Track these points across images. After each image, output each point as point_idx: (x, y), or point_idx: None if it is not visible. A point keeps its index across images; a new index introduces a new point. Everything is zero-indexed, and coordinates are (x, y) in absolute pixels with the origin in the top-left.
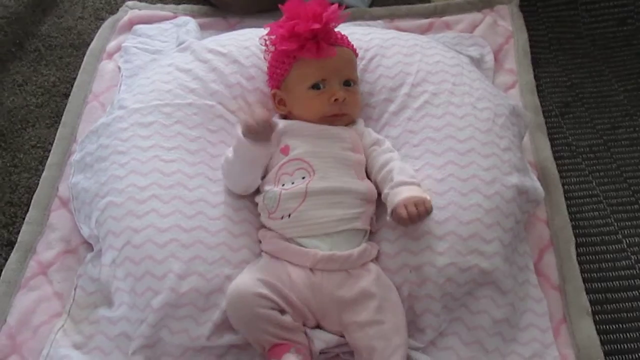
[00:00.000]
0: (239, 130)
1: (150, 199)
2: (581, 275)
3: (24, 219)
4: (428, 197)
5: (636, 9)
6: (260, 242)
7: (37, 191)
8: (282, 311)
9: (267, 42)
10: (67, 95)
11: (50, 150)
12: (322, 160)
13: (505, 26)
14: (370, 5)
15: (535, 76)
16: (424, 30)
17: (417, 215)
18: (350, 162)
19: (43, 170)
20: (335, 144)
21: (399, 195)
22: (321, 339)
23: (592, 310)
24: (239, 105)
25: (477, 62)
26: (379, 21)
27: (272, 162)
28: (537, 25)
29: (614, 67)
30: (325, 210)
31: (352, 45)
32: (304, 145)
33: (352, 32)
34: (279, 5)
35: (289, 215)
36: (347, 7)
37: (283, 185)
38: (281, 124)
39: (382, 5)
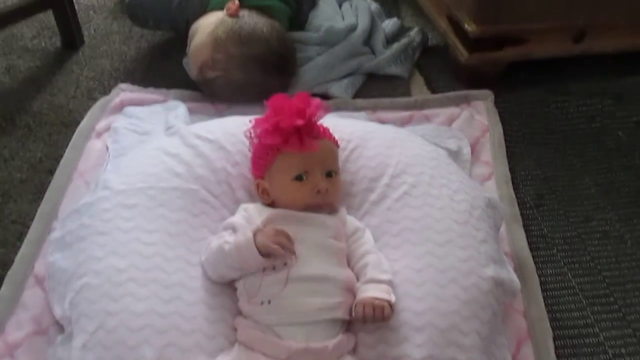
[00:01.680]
0: (245, 237)
1: (127, 282)
2: None
3: None
4: (392, 300)
5: (603, 107)
6: (236, 329)
7: (12, 267)
8: None
9: (252, 135)
10: (52, 172)
11: (29, 226)
12: (305, 246)
13: (481, 120)
14: (354, 97)
15: (510, 169)
16: (404, 122)
17: (372, 318)
18: (332, 250)
19: (20, 246)
20: (318, 231)
21: (365, 292)
22: None
23: None
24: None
25: (455, 154)
26: (362, 112)
27: None
28: (511, 120)
29: (585, 161)
30: (305, 297)
31: (334, 138)
32: (288, 232)
33: (336, 123)
34: (265, 101)
35: (269, 302)
36: (331, 98)
37: (264, 270)
38: (268, 211)
39: (365, 96)
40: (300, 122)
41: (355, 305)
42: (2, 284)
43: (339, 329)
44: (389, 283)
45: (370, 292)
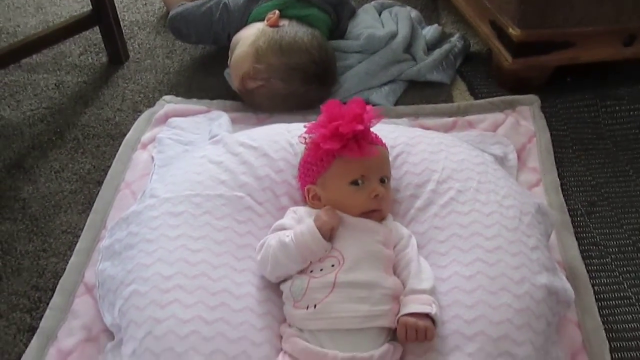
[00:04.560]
0: (307, 225)
1: (174, 289)
2: None
3: (47, 304)
4: (433, 312)
5: None
6: (281, 337)
7: (63, 276)
8: None
9: (307, 140)
10: (100, 183)
11: (79, 236)
12: (353, 250)
13: (527, 126)
14: (395, 104)
15: (559, 175)
16: (447, 129)
17: (414, 340)
18: (381, 257)
19: (71, 255)
20: (368, 237)
21: (406, 307)
22: None
23: None
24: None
25: (501, 161)
26: (404, 119)
27: None
28: (559, 126)
29: (638, 167)
30: (352, 304)
31: (385, 144)
32: (337, 235)
33: (379, 129)
34: (321, 107)
35: (315, 306)
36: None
37: (311, 272)
38: (316, 213)
39: (406, 104)
40: (359, 127)
41: (398, 323)
42: (55, 292)
43: (385, 338)
44: (430, 292)
45: (410, 306)
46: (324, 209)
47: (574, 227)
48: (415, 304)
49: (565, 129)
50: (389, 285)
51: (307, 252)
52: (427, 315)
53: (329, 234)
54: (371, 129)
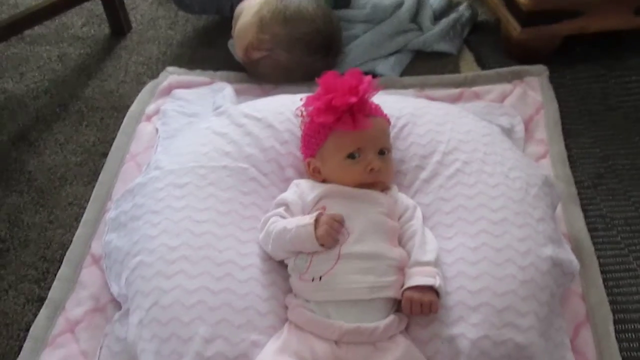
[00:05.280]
0: (306, 229)
1: (179, 260)
2: (620, 354)
3: (55, 275)
4: (436, 284)
5: None
6: (287, 307)
7: (70, 248)
8: None
9: (303, 113)
10: (105, 155)
11: (85, 208)
12: (357, 223)
13: (535, 97)
14: (401, 75)
15: (566, 147)
16: (454, 100)
17: (419, 314)
18: (385, 228)
19: (77, 227)
20: (372, 208)
21: (410, 279)
22: None
23: None
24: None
25: (508, 132)
26: (410, 90)
27: None
28: (567, 97)
29: None
30: (357, 275)
31: (386, 115)
32: (340, 208)
33: (384, 100)
34: (316, 79)
35: (320, 278)
36: (378, 76)
37: None
38: (321, 187)
39: (413, 74)
40: (353, 99)
41: (403, 297)
42: (62, 263)
43: (390, 309)
44: (435, 263)
45: (414, 279)
46: (328, 218)
47: (580, 199)
48: (419, 277)
49: (574, 100)
50: (394, 257)
51: (306, 250)
52: (431, 288)
53: (327, 244)
54: (373, 100)
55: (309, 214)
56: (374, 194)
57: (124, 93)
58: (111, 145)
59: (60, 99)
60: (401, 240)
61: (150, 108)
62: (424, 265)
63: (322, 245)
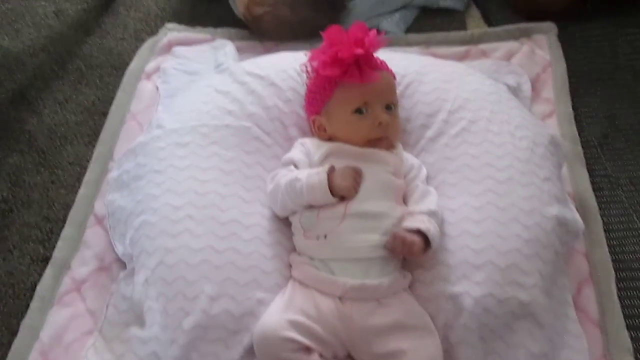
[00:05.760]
0: (319, 178)
1: (184, 219)
2: (622, 311)
3: (59, 235)
4: (423, 227)
5: None
6: (291, 266)
7: (73, 208)
8: (310, 349)
9: (308, 69)
10: (105, 114)
11: (87, 168)
12: (365, 182)
13: (543, 55)
14: (406, 32)
15: (573, 106)
16: (460, 58)
17: (400, 253)
18: (391, 186)
19: (80, 187)
20: (378, 167)
21: (403, 223)
22: None
23: (633, 348)
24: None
25: (514, 91)
26: (415, 47)
27: None
28: (575, 56)
29: None
30: (362, 234)
31: (391, 70)
32: (348, 166)
33: (389, 57)
34: (321, 32)
35: (325, 236)
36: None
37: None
38: (326, 145)
39: (418, 31)
40: (360, 51)
41: (391, 234)
42: (66, 223)
43: (394, 267)
44: (429, 213)
45: (404, 224)
46: (343, 170)
47: (586, 159)
48: (408, 222)
49: (582, 59)
50: (398, 215)
51: (314, 203)
52: (420, 232)
53: (340, 195)
54: (377, 56)
55: None
56: (381, 153)
57: (122, 50)
58: (111, 104)
59: (58, 57)
60: (405, 199)
61: (150, 66)
62: (417, 214)
63: (339, 196)
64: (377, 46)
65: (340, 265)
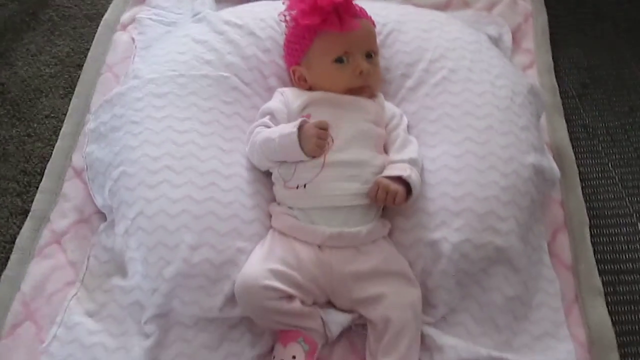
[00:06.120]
0: (290, 135)
1: (162, 170)
2: (594, 256)
3: (37, 188)
4: (405, 175)
5: None
6: (271, 216)
7: (50, 160)
8: (291, 297)
9: (287, 18)
10: (80, 66)
11: (63, 120)
12: (343, 130)
13: (524, 6)
14: None
15: (553, 57)
16: (441, 8)
17: (383, 202)
18: (371, 135)
19: (57, 140)
20: (358, 115)
21: (385, 171)
22: (336, 322)
23: (604, 291)
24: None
25: (495, 41)
26: None
27: None
28: (557, 6)
29: (636, 51)
30: (341, 182)
31: (371, 17)
32: (326, 115)
33: (369, 6)
34: None
35: (305, 186)
36: None
37: None
38: (306, 94)
39: None
40: None
41: (372, 184)
42: (43, 176)
43: (374, 215)
44: (410, 162)
45: (385, 172)
46: (305, 132)
47: (564, 109)
48: (389, 170)
49: (564, 9)
50: (378, 164)
51: (288, 159)
52: (401, 179)
53: (316, 155)
54: (356, 3)
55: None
56: (361, 100)
57: (96, 0)
58: (86, 56)
59: (29, 7)
60: (386, 148)
61: (126, 16)
62: (398, 162)
63: (309, 153)
64: None
65: (320, 214)
